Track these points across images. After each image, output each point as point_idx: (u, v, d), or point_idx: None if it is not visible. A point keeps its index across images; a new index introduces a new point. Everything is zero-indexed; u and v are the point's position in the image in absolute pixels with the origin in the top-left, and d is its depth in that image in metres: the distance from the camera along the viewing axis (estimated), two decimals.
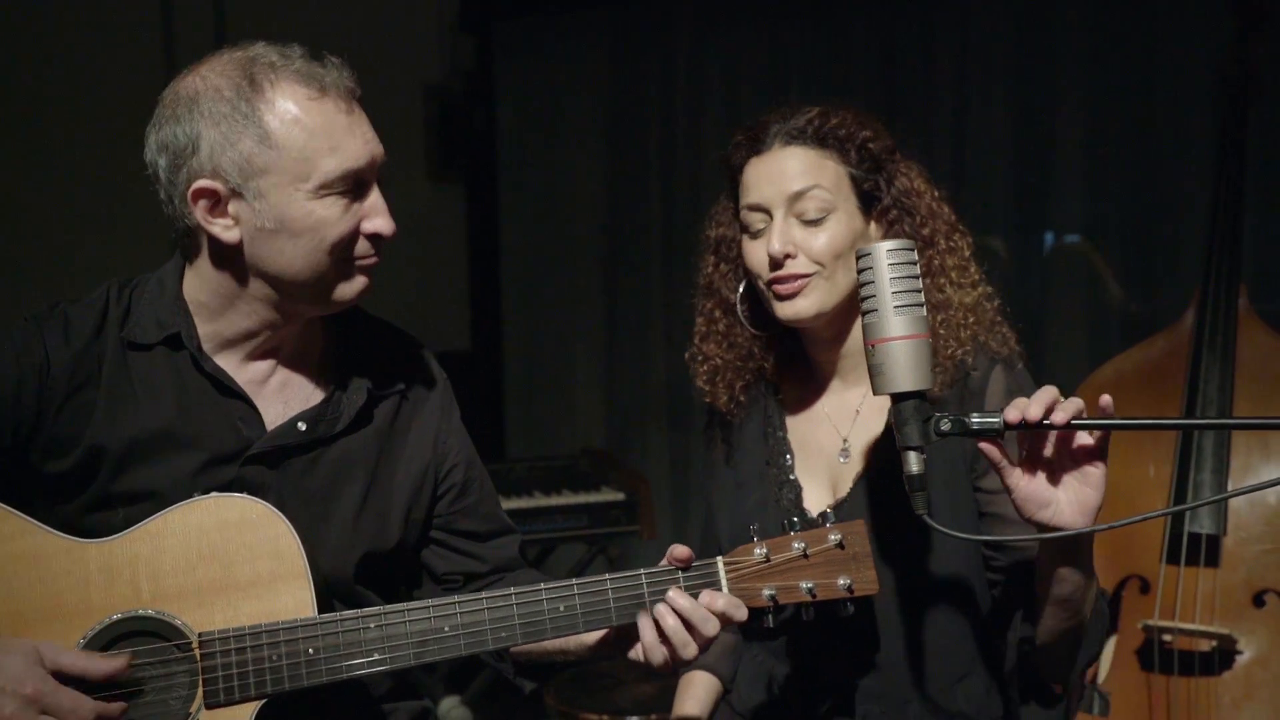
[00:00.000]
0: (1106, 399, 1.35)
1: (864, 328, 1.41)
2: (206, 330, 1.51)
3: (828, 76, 4.34)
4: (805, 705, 1.75)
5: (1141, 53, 3.94)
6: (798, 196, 1.63)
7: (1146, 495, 2.44)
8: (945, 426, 1.38)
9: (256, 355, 1.54)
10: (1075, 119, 4.03)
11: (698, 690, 1.85)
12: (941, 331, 1.65)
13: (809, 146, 1.65)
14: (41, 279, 3.38)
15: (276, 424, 1.52)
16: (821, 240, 1.63)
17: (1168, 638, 2.29)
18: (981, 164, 4.15)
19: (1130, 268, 4.07)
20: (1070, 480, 1.39)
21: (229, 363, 1.52)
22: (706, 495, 1.91)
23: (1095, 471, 1.38)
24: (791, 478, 1.76)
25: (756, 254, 1.68)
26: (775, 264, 1.64)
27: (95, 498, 1.46)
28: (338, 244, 1.44)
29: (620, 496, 3.48)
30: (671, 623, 1.40)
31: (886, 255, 1.38)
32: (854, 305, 1.65)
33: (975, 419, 1.38)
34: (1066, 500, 1.39)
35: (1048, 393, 1.36)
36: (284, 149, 1.39)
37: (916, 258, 1.40)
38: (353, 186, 1.44)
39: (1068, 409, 1.34)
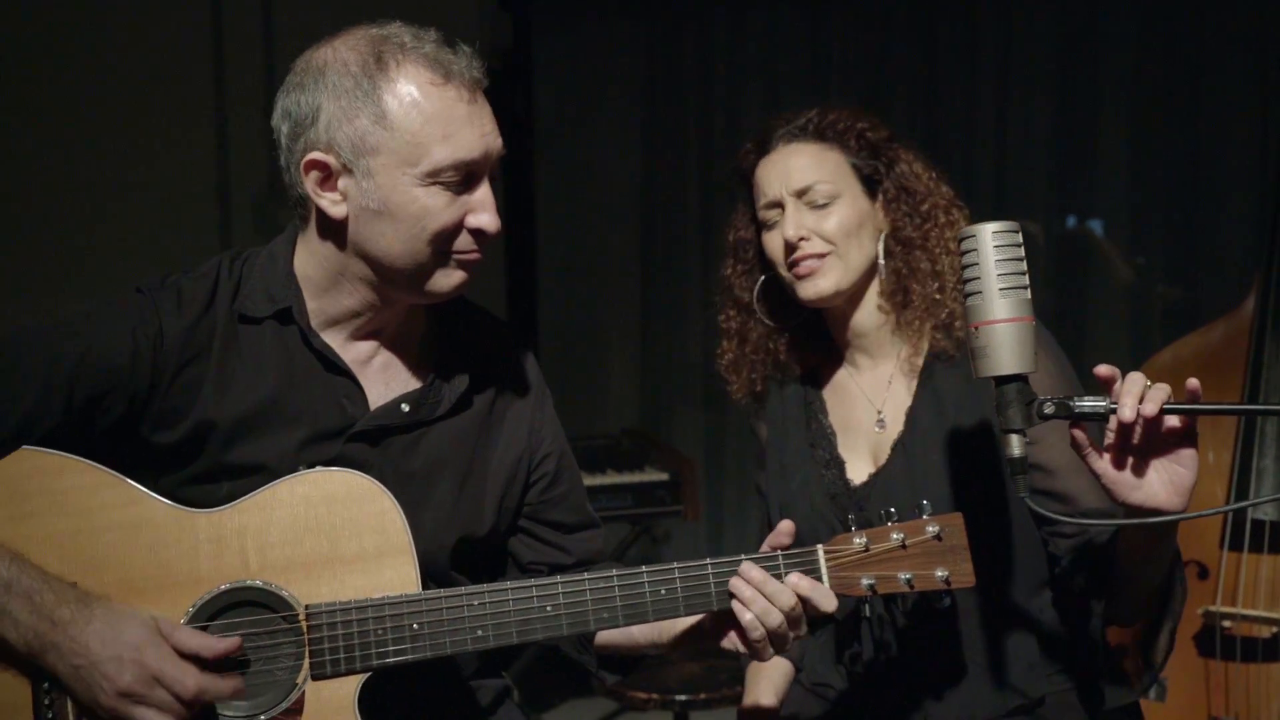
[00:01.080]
0: (1194, 383, 1.36)
1: (966, 310, 1.41)
2: (314, 306, 1.52)
3: (867, 54, 4.32)
4: (874, 682, 1.78)
5: (1187, 40, 3.92)
6: (805, 189, 1.75)
7: (1205, 481, 2.44)
8: (1049, 410, 1.39)
9: (360, 335, 1.54)
10: (1119, 107, 4.02)
11: (772, 674, 1.87)
12: (937, 298, 1.75)
13: (811, 141, 1.79)
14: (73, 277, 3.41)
15: (380, 403, 1.53)
16: (832, 221, 1.74)
17: (1228, 624, 2.29)
18: (1023, 150, 4.14)
19: (1172, 256, 4.06)
20: (1159, 462, 1.40)
21: (335, 340, 1.53)
22: (757, 485, 1.98)
23: (1187, 452, 1.40)
24: (835, 452, 1.83)
25: (775, 243, 1.79)
26: (790, 248, 1.75)
27: (202, 470, 1.47)
28: (439, 234, 1.43)
29: (664, 476, 3.49)
30: (754, 599, 1.41)
31: (992, 237, 1.38)
32: (867, 282, 1.78)
33: (1079, 403, 1.38)
34: (1159, 481, 1.40)
35: (1138, 380, 1.37)
36: (397, 131, 1.39)
37: (1021, 240, 1.40)
38: (462, 178, 1.42)
39: (1156, 396, 1.35)
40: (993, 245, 1.38)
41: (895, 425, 1.79)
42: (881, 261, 1.77)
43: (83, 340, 1.42)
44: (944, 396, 1.75)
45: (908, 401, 1.78)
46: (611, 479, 3.50)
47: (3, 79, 3.37)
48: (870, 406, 1.82)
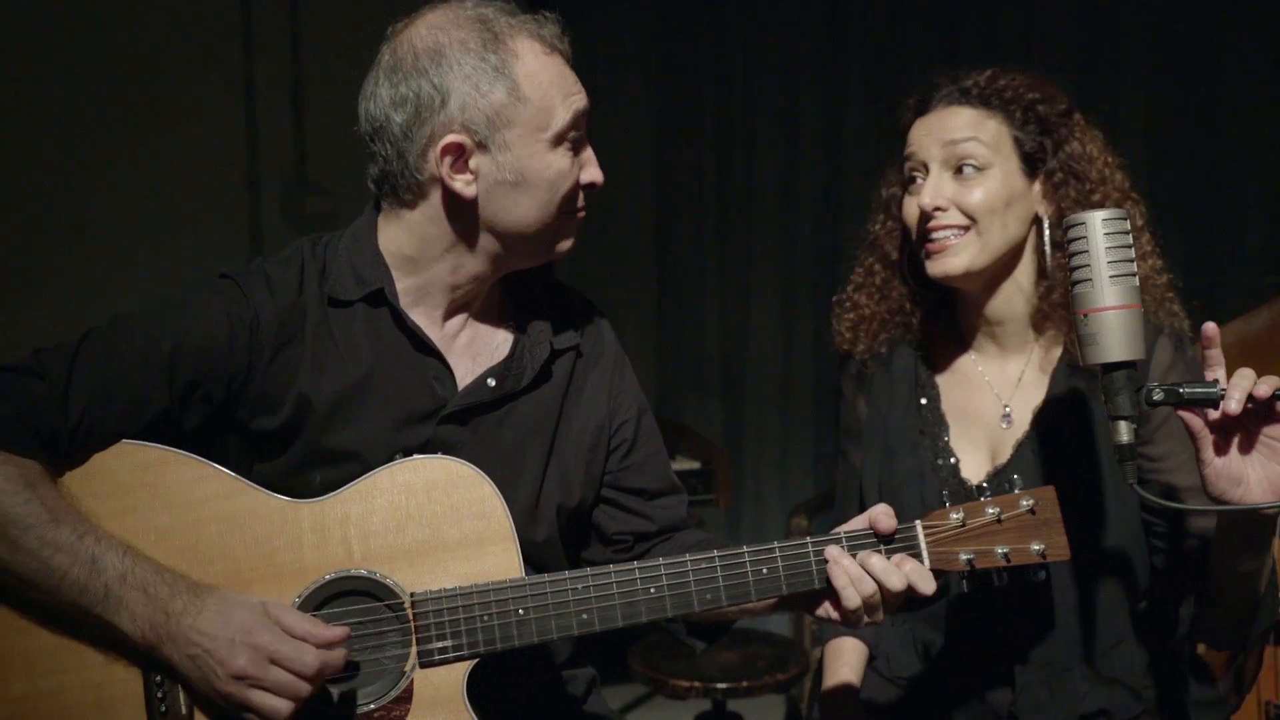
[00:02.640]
0: None
1: (1074, 297, 1.41)
2: (405, 284, 1.51)
3: (886, 40, 4.30)
4: (961, 673, 1.76)
5: (1205, 27, 3.93)
6: (953, 145, 1.65)
7: None
8: (1158, 396, 1.38)
9: (451, 311, 1.54)
10: (1137, 94, 4.03)
11: (850, 657, 1.85)
12: None
13: (973, 106, 1.67)
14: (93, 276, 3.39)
15: (466, 381, 1.52)
16: (977, 194, 1.64)
17: None
18: None
19: (1192, 254, 4.08)
20: (1258, 458, 1.40)
21: (424, 319, 1.52)
22: (845, 452, 1.91)
23: None
24: (946, 442, 1.76)
25: (911, 208, 1.70)
26: (926, 217, 1.66)
27: (297, 457, 1.45)
28: (568, 194, 1.49)
29: (696, 465, 3.49)
30: (861, 580, 1.41)
31: (1102, 224, 1.38)
32: (1008, 266, 1.69)
33: (1187, 388, 1.38)
34: (1256, 479, 1.40)
35: (1248, 374, 1.37)
36: (529, 101, 1.42)
37: (1130, 227, 1.40)
38: (577, 135, 1.48)
39: (1272, 380, 1.35)
40: (1103, 233, 1.38)
41: (1021, 423, 1.71)
42: (1048, 249, 1.66)
43: (180, 327, 1.41)
44: (1075, 402, 1.67)
45: (1037, 401, 1.71)
46: None
47: (32, 73, 3.33)
48: (997, 400, 1.74)
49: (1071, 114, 1.71)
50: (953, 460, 1.76)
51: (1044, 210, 1.68)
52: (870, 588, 1.41)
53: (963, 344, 1.80)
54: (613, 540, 1.66)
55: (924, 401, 1.80)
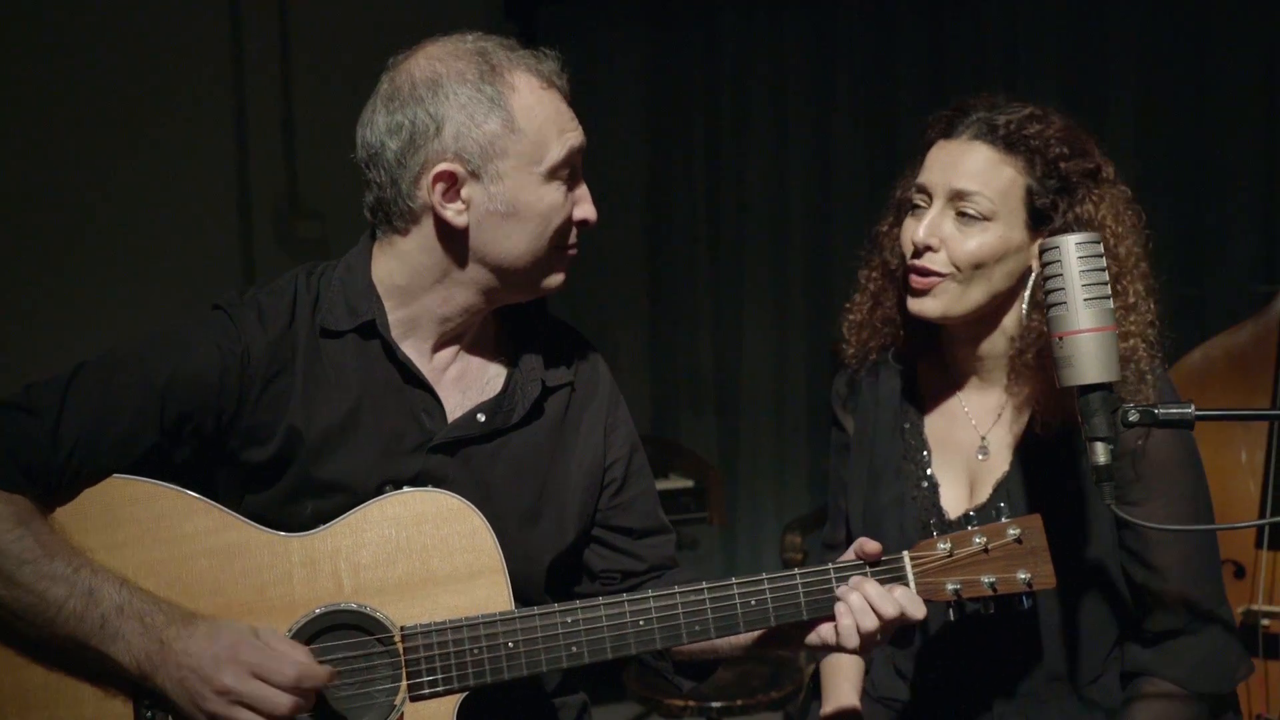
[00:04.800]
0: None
1: (1050, 320, 1.43)
2: (397, 316, 1.52)
3: (874, 57, 4.33)
4: (942, 701, 1.77)
5: (1193, 39, 3.96)
6: (960, 194, 1.62)
7: (1239, 480, 2.48)
8: (1134, 417, 1.40)
9: (442, 343, 1.54)
10: (1125, 105, 4.05)
11: (849, 672, 1.85)
12: None
13: (995, 147, 1.62)
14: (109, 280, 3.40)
15: (456, 414, 1.53)
16: (970, 245, 1.61)
17: (1267, 622, 2.32)
18: None
19: (1181, 259, 4.09)
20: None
21: (414, 351, 1.53)
22: (835, 471, 1.91)
23: None
24: (928, 471, 1.77)
25: (907, 232, 1.69)
26: (916, 251, 1.65)
27: (287, 489, 1.47)
28: (560, 229, 1.49)
29: (689, 484, 3.50)
30: (862, 610, 1.42)
31: (1075, 248, 1.40)
32: (993, 314, 1.67)
33: (1162, 409, 1.40)
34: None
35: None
36: (523, 133, 1.44)
37: (1103, 250, 1.42)
38: (571, 171, 1.49)
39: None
40: (1076, 256, 1.40)
41: (1000, 461, 1.71)
42: (1026, 308, 1.63)
43: (171, 361, 1.43)
44: (1054, 444, 1.66)
45: (1015, 439, 1.70)
46: None
47: (25, 100, 3.35)
48: (974, 431, 1.74)
49: (1099, 173, 1.66)
50: (932, 489, 1.76)
51: (1037, 267, 1.61)
52: (872, 621, 1.42)
53: (946, 371, 1.80)
54: (599, 577, 1.67)
55: (907, 427, 1.80)
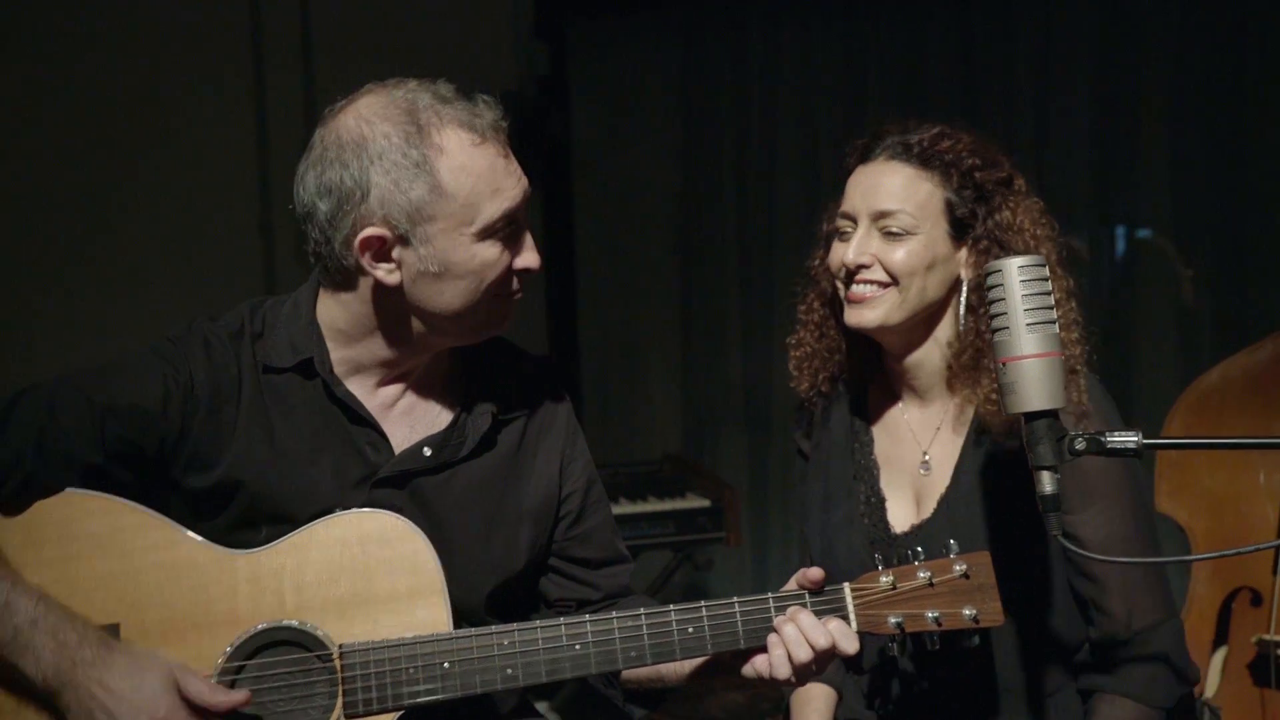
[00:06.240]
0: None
1: (994, 345, 1.41)
2: (340, 355, 1.54)
3: (905, 71, 4.29)
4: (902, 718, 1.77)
5: (1229, 43, 3.85)
6: (883, 215, 1.67)
7: (1257, 503, 2.39)
8: (1080, 445, 1.37)
9: (388, 381, 1.57)
10: (1160, 111, 3.95)
11: (818, 703, 1.85)
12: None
13: (911, 164, 1.69)
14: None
15: (403, 448, 1.55)
16: (899, 255, 1.66)
17: None
18: (1062, 157, 4.08)
19: (1220, 266, 3.97)
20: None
21: (360, 387, 1.55)
22: (798, 498, 1.94)
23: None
24: (877, 488, 1.79)
25: (836, 256, 1.73)
26: (849, 273, 1.70)
27: (234, 518, 1.50)
28: (496, 282, 1.48)
29: (706, 503, 3.48)
30: (796, 641, 1.41)
31: (1018, 271, 1.38)
32: (927, 323, 1.71)
33: (1110, 438, 1.37)
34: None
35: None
36: (452, 196, 1.43)
37: (1048, 274, 1.39)
38: (509, 229, 1.48)
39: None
40: (1019, 280, 1.38)
41: (941, 476, 1.74)
42: (962, 312, 1.69)
43: (114, 387, 1.47)
44: (993, 454, 1.69)
45: (955, 453, 1.73)
46: (653, 506, 3.49)
47: (46, 111, 3.44)
48: (917, 446, 1.77)
49: (1011, 182, 1.72)
50: (879, 505, 1.78)
51: (966, 275, 1.69)
52: (806, 652, 1.41)
53: (890, 388, 1.83)
54: (555, 605, 1.69)
55: (857, 447, 1.83)
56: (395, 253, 1.45)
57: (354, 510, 1.48)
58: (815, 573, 1.46)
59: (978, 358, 1.66)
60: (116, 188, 3.52)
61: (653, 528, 3.44)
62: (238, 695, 1.37)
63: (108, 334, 3.15)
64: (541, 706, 3.56)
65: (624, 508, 3.45)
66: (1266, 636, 2.25)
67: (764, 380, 4.59)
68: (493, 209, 1.44)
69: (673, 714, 3.04)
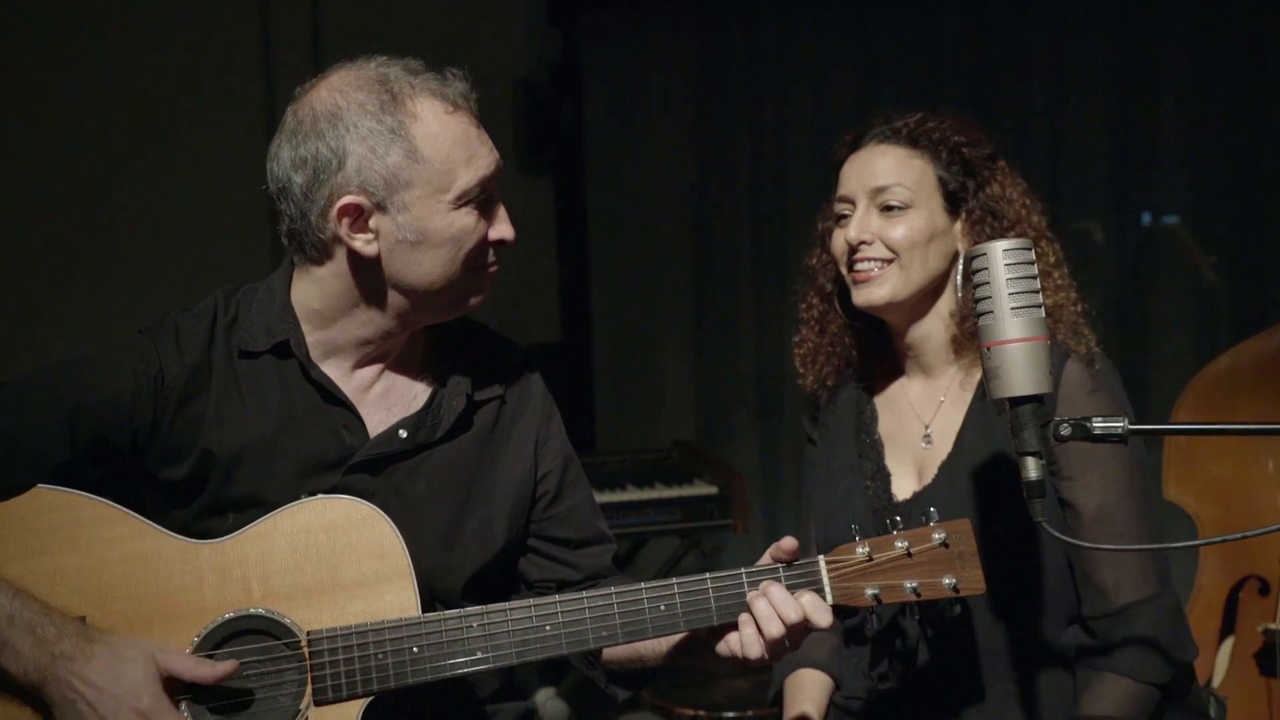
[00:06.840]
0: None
1: (979, 330, 1.38)
2: (315, 338, 1.53)
3: (919, 56, 4.24)
4: (900, 697, 1.77)
5: (1247, 29, 3.77)
6: (879, 190, 1.72)
7: (1267, 492, 2.35)
8: (1066, 431, 1.34)
9: (364, 362, 1.55)
10: (1177, 100, 3.88)
11: (811, 691, 1.84)
12: None
13: (900, 145, 1.75)
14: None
15: (378, 431, 1.53)
16: (899, 229, 1.70)
17: None
18: (1079, 148, 4.02)
19: (1236, 255, 3.90)
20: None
21: (336, 370, 1.54)
22: (805, 488, 1.97)
23: None
24: (882, 464, 1.81)
25: (839, 241, 1.78)
26: (852, 250, 1.74)
27: (207, 504, 1.49)
28: (473, 252, 1.48)
29: (713, 490, 3.45)
30: (767, 616, 1.39)
31: (1003, 255, 1.36)
32: (930, 297, 1.75)
33: (1097, 424, 1.33)
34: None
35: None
36: (429, 162, 1.43)
37: (1034, 258, 1.36)
38: (485, 195, 1.48)
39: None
40: (1004, 263, 1.35)
41: (943, 445, 1.76)
42: (959, 281, 1.73)
43: (84, 383, 1.46)
44: (994, 422, 1.71)
45: (958, 423, 1.75)
46: (660, 493, 3.47)
47: (57, 97, 3.44)
48: (919, 421, 1.80)
49: (996, 159, 1.78)
50: (884, 479, 1.81)
51: (963, 247, 1.74)
52: (777, 627, 1.38)
53: (894, 368, 1.86)
54: (535, 586, 1.67)
55: (863, 429, 1.86)
56: (373, 221, 1.44)
57: (320, 496, 1.46)
58: (789, 543, 1.43)
59: (971, 311, 1.65)
60: (122, 187, 3.52)
61: (659, 514, 3.41)
62: (224, 666, 1.35)
63: (111, 334, 3.15)
64: (547, 692, 3.57)
65: (631, 494, 3.43)
66: (1274, 626, 2.20)
67: (776, 368, 4.56)
68: (468, 176, 1.44)
69: (676, 701, 3.01)
